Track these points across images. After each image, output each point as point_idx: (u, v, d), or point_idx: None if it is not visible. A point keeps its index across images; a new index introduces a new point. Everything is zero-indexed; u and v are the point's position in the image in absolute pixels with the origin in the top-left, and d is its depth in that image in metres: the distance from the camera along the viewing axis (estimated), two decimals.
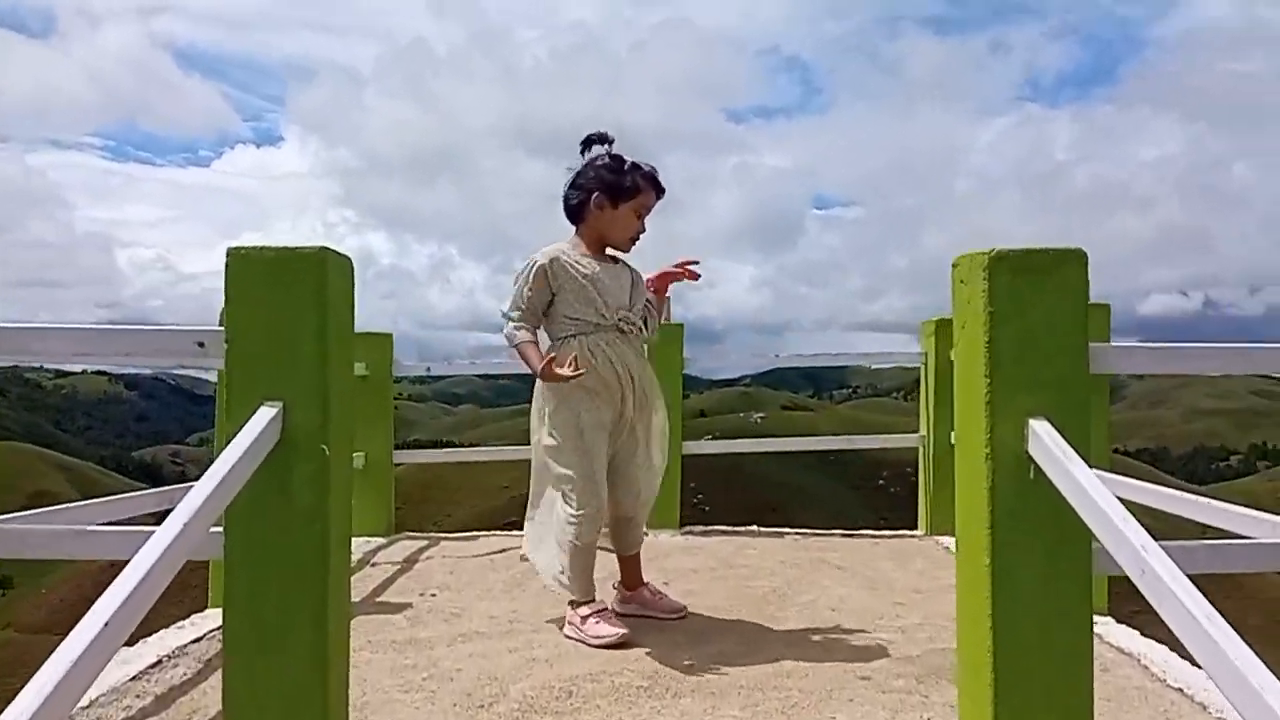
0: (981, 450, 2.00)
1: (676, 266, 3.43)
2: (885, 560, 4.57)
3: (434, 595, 3.89)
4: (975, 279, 2.03)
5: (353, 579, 4.26)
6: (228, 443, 1.92)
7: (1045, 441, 1.94)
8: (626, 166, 3.29)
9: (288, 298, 1.98)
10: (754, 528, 5.41)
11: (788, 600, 3.78)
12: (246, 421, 1.94)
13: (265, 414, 1.94)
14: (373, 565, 4.49)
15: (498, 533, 5.40)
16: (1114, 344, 2.05)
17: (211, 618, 3.41)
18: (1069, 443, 1.93)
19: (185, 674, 2.89)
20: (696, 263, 3.42)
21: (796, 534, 5.22)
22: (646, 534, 5.15)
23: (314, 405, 1.97)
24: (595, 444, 3.22)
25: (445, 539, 5.19)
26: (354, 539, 5.21)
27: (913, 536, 5.24)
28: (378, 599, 3.84)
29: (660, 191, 3.36)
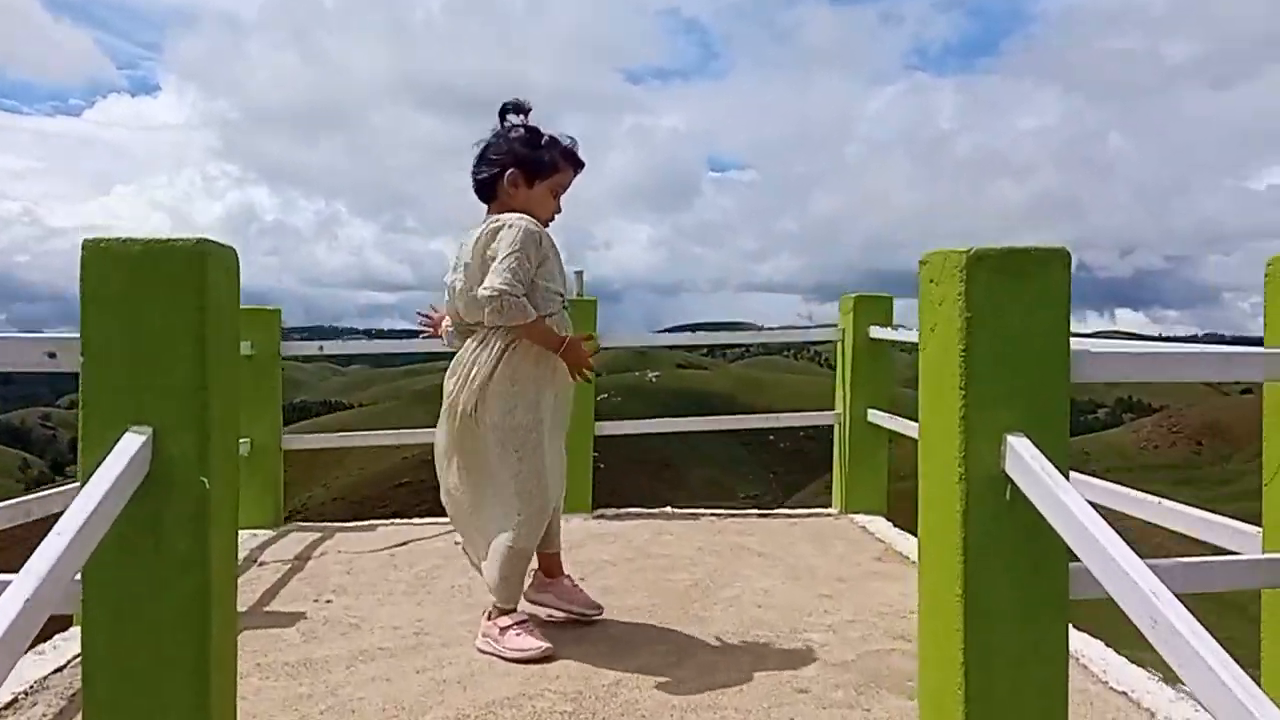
0: (954, 469, 1.81)
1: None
2: (804, 543, 4.44)
3: (329, 601, 3.58)
4: (949, 279, 1.83)
5: (239, 581, 3.92)
6: (87, 478, 1.61)
7: (1025, 460, 1.77)
8: (544, 141, 3.02)
9: (159, 301, 1.66)
10: (668, 509, 5.22)
11: (711, 595, 3.60)
12: (109, 451, 1.62)
13: (131, 442, 1.63)
14: (260, 565, 4.14)
15: (397, 521, 5.08)
16: (1094, 349, 1.87)
17: (76, 640, 3.04)
18: (1050, 460, 1.76)
19: (45, 714, 2.54)
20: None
21: (712, 515, 5.05)
22: None
23: (191, 430, 1.67)
24: (549, 439, 2.97)
25: (340, 529, 4.86)
26: (240, 532, 4.84)
27: (828, 515, 5.12)
28: (266, 608, 3.51)
29: (579, 166, 3.11)
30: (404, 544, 4.46)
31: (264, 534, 4.73)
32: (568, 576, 3.31)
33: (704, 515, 5.04)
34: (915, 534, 4.88)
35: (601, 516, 5.01)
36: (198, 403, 1.66)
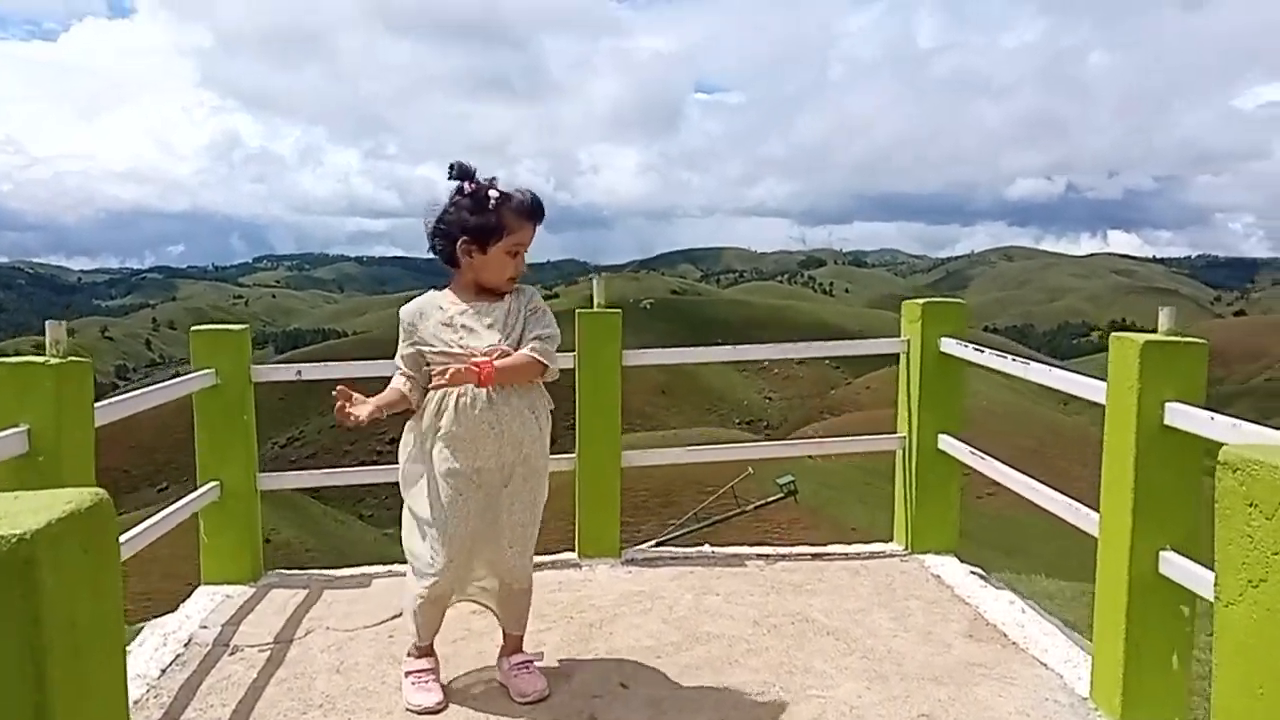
0: None
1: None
2: (876, 610, 3.76)
3: None
4: None
5: (203, 686, 3.22)
6: None
7: None
8: (491, 204, 2.89)
9: None
10: (707, 550, 4.56)
11: (784, 710, 2.94)
12: None
13: None
14: (233, 653, 3.45)
15: (395, 569, 4.39)
16: None
17: None
18: None
19: None
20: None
21: (759, 559, 4.38)
22: (579, 565, 4.29)
23: None
24: (451, 494, 2.91)
25: (328, 584, 4.17)
26: (210, 589, 4.14)
27: (893, 556, 4.45)
28: None
29: (536, 218, 2.96)
30: (400, 615, 3.78)
31: (239, 592, 4.05)
32: (509, 657, 3.17)
33: (751, 560, 4.36)
34: (991, 577, 4.17)
35: (631, 563, 4.33)
36: None
